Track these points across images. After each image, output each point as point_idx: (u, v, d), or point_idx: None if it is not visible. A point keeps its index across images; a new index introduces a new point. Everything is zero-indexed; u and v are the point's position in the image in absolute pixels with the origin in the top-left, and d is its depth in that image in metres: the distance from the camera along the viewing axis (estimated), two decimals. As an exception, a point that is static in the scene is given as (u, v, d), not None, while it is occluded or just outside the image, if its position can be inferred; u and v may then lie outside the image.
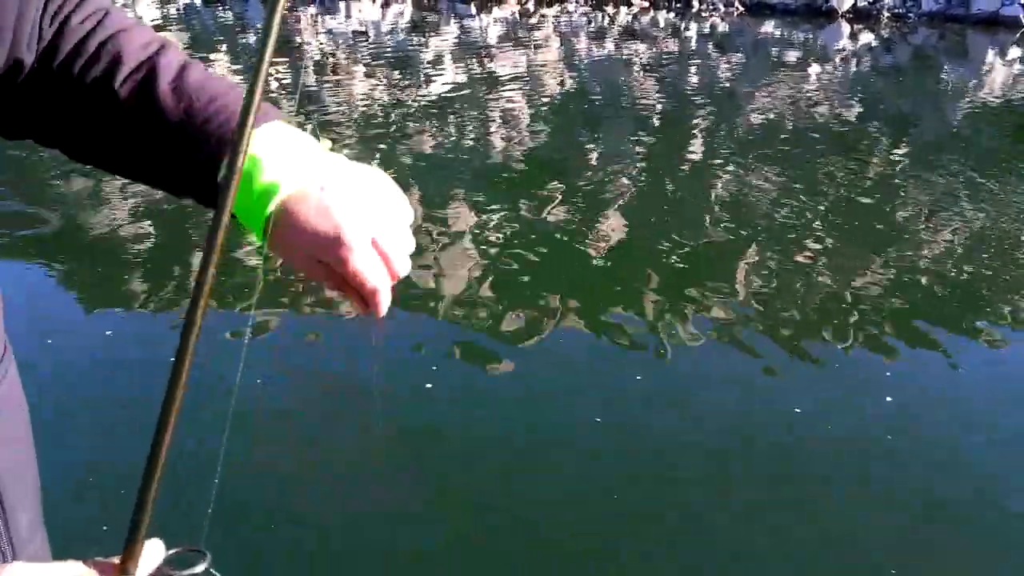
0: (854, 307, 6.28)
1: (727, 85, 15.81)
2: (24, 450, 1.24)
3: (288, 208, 1.05)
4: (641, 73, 16.91)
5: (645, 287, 6.59)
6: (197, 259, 0.90)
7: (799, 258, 7.23)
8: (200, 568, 0.89)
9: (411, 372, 5.19)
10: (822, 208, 8.59)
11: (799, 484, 4.34)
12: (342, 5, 26.34)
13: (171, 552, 0.91)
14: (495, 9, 26.43)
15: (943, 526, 4.06)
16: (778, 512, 4.13)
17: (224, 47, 18.37)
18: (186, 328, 0.87)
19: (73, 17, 1.18)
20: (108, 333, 5.71)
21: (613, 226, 7.89)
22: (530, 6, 27.09)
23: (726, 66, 17.96)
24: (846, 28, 23.67)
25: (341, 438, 4.58)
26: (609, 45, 20.58)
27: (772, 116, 12.97)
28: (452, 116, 12.46)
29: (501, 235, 7.54)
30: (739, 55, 19.42)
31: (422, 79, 15.30)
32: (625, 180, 9.39)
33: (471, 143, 11.02)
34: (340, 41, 20.03)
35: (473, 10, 26.09)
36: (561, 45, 20.57)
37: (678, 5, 27.10)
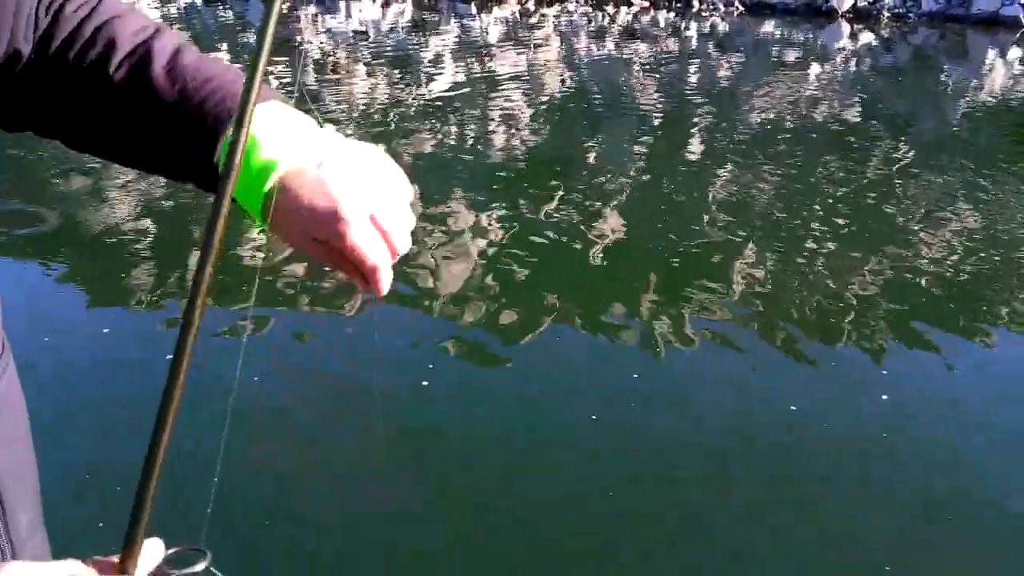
0: (853, 307, 6.28)
1: (727, 85, 15.81)
2: (24, 449, 1.24)
3: (285, 185, 1.05)
4: (641, 73, 16.91)
5: (645, 287, 6.58)
6: (196, 257, 0.89)
7: (798, 258, 7.23)
8: (200, 567, 0.88)
9: (411, 371, 5.19)
10: (821, 208, 8.58)
11: (799, 484, 4.34)
12: (342, 4, 26.35)
13: (171, 551, 0.91)
14: (495, 9, 26.43)
15: (943, 526, 4.05)
16: (778, 512, 4.13)
17: (225, 46, 18.36)
18: (184, 327, 0.87)
19: (67, 5, 1.19)
20: (107, 331, 5.71)
21: (612, 226, 7.89)
22: (530, 6, 27.08)
23: (726, 66, 17.96)
24: (846, 28, 23.66)
25: (340, 437, 4.59)
26: (609, 45, 20.58)
27: (772, 116, 12.97)
28: (452, 115, 12.46)
29: (501, 234, 7.54)
30: (739, 55, 19.42)
31: (422, 78, 15.30)
32: (625, 179, 9.39)
33: (471, 142, 11.02)
34: (340, 40, 20.03)
35: (473, 10, 26.09)
36: (561, 45, 20.57)
37: (678, 5, 27.09)
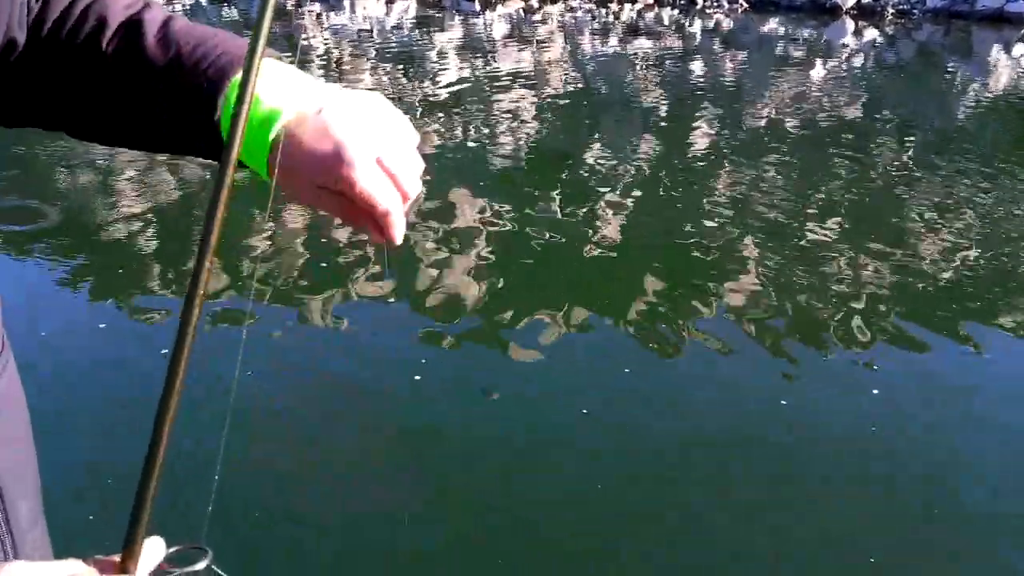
0: (856, 306, 6.27)
1: (731, 82, 15.80)
2: (24, 449, 1.23)
3: (287, 134, 1.03)
4: (645, 70, 16.91)
5: (646, 285, 6.58)
6: (196, 257, 0.88)
7: (800, 257, 7.22)
8: (201, 565, 0.88)
9: (410, 370, 5.19)
10: (826, 206, 8.57)
11: (798, 484, 4.34)
12: (347, 2, 26.38)
13: (172, 550, 0.91)
14: (499, 6, 26.42)
15: (942, 526, 4.04)
16: (778, 512, 4.12)
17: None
18: (182, 325, 0.86)
19: None
20: (108, 330, 5.71)
21: (614, 223, 7.89)
22: (534, 3, 27.08)
23: (730, 63, 17.95)
24: (850, 25, 23.65)
25: (340, 437, 4.59)
26: (613, 42, 20.58)
27: (775, 113, 12.96)
28: (456, 113, 12.47)
29: (503, 232, 7.54)
30: (743, 52, 19.41)
31: (426, 76, 15.30)
32: (627, 177, 9.38)
33: (474, 139, 11.02)
34: (345, 38, 20.04)
35: (477, 7, 26.09)
36: (565, 42, 20.57)
37: (682, 2, 27.10)
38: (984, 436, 4.78)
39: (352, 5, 25.99)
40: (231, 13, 24.16)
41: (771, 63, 17.81)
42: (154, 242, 7.25)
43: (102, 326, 5.76)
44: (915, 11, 25.02)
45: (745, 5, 26.27)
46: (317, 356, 5.49)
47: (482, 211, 8.11)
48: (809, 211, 8.39)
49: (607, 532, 3.98)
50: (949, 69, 18.14)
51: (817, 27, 23.12)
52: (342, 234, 7.22)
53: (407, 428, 4.69)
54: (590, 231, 7.65)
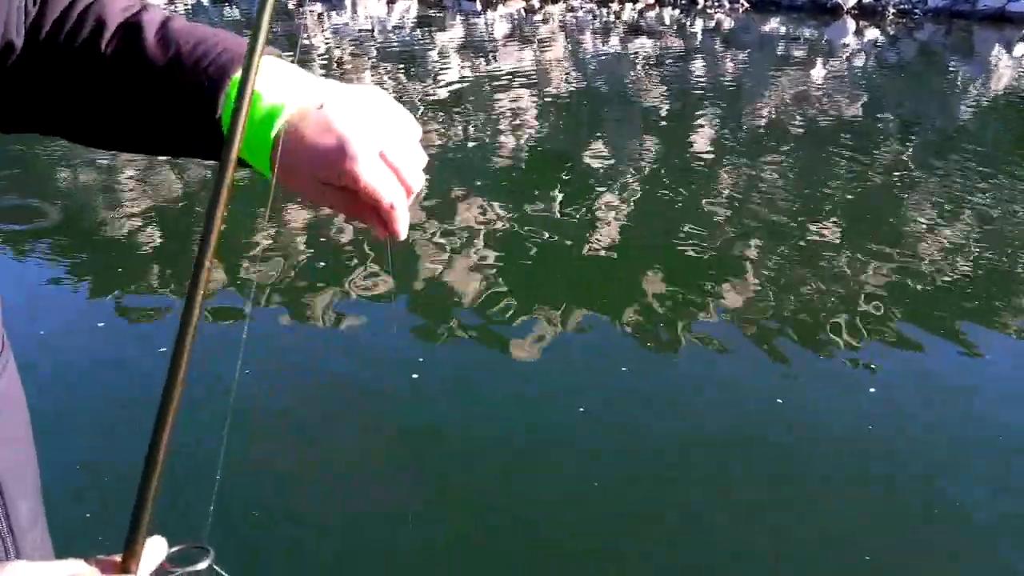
0: (856, 306, 6.27)
1: (732, 82, 15.80)
2: (24, 448, 1.23)
3: (289, 130, 1.03)
4: (646, 70, 16.91)
5: (646, 286, 6.57)
6: (196, 256, 0.88)
7: (801, 257, 7.22)
8: (203, 565, 0.88)
9: (410, 370, 5.19)
10: (826, 206, 8.57)
11: (798, 484, 4.34)
12: (348, 2, 26.38)
13: (174, 549, 0.91)
14: (500, 6, 26.43)
15: (943, 526, 4.04)
16: (778, 512, 4.12)
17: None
18: (183, 324, 0.86)
19: None
20: (108, 330, 5.71)
21: (615, 224, 7.89)
22: (535, 3, 27.09)
23: (731, 63, 17.95)
24: (851, 24, 23.64)
25: (340, 437, 4.59)
26: (615, 42, 20.58)
27: (776, 113, 12.96)
28: (457, 112, 12.47)
29: (504, 231, 7.54)
30: (744, 52, 19.40)
31: (427, 76, 15.31)
32: (628, 177, 9.38)
33: (475, 139, 11.03)
34: (346, 38, 20.05)
35: (478, 7, 26.10)
36: (566, 42, 20.57)
37: (683, 2, 27.09)
38: (984, 436, 4.78)
39: (353, 5, 26.00)
40: (232, 13, 24.17)
41: (772, 63, 17.80)
42: (154, 241, 7.25)
43: (102, 325, 5.76)
44: (916, 11, 25.02)
45: (746, 5, 26.26)
46: (317, 356, 5.49)
47: (482, 210, 8.11)
48: (809, 211, 8.39)
49: (607, 532, 3.98)
50: (950, 69, 18.14)
51: (818, 27, 23.12)
52: (342, 234, 7.22)
53: (407, 428, 4.69)
54: (590, 231, 7.65)
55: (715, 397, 5.11)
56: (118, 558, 0.87)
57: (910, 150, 11.02)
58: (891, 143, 11.38)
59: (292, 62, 1.12)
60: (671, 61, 17.91)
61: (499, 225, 7.73)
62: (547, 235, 7.48)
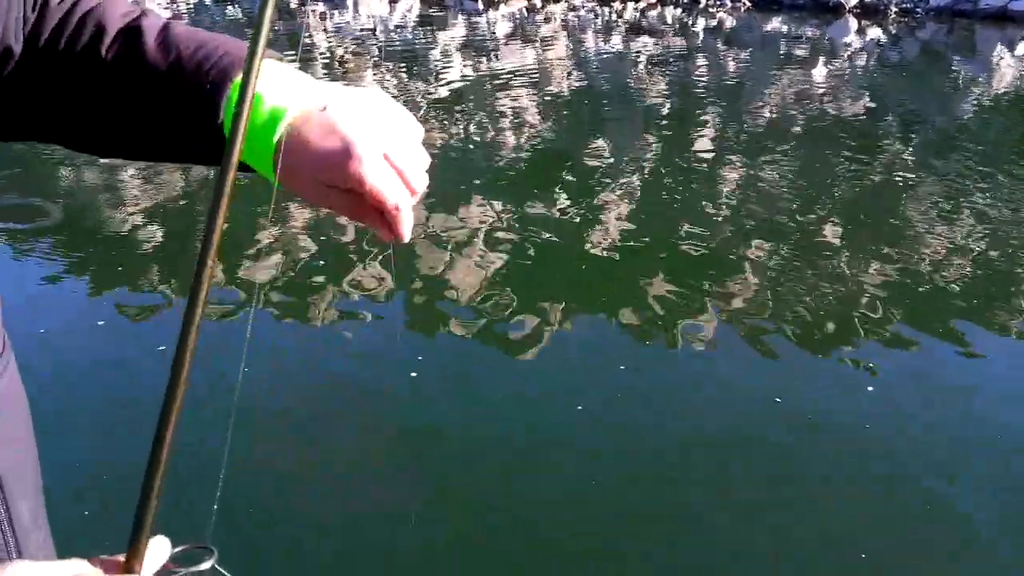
0: (856, 306, 6.27)
1: (734, 81, 15.80)
2: (25, 448, 1.23)
3: (292, 133, 1.02)
4: (648, 69, 16.90)
5: (647, 285, 6.57)
6: (198, 255, 0.88)
7: (802, 256, 7.22)
8: (206, 565, 0.89)
9: (411, 370, 5.19)
10: (828, 205, 8.57)
11: (799, 484, 4.34)
12: (350, 2, 26.39)
13: (177, 549, 0.91)
14: (502, 5, 26.44)
15: (943, 526, 4.04)
16: (778, 512, 4.12)
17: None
18: (185, 324, 0.86)
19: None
20: (108, 329, 5.72)
21: (616, 223, 7.89)
22: (537, 2, 27.09)
23: (734, 62, 17.94)
24: (853, 23, 23.63)
25: (341, 436, 4.60)
26: (616, 41, 20.57)
27: (779, 112, 12.95)
28: (459, 112, 12.48)
29: (506, 232, 7.54)
30: (747, 50, 19.39)
31: (430, 75, 15.31)
32: (630, 177, 9.38)
33: (477, 139, 11.03)
34: (348, 37, 20.05)
35: (480, 6, 26.10)
36: (568, 41, 20.56)
37: (685, 1, 27.07)
38: (983, 436, 4.78)
39: (355, 4, 26.02)
40: (235, 12, 24.17)
41: (774, 62, 17.80)
42: (156, 240, 7.26)
43: (104, 325, 5.77)
44: (918, 9, 25.00)
45: (748, 4, 26.26)
46: (318, 355, 5.50)
47: (483, 209, 8.11)
48: (810, 211, 8.38)
49: (607, 532, 3.98)
50: (952, 68, 18.12)
51: (820, 26, 23.10)
52: (343, 233, 7.22)
53: (407, 428, 4.70)
54: (590, 230, 7.65)
55: (715, 397, 5.11)
56: (121, 558, 0.87)
57: (911, 149, 11.01)
58: (893, 142, 11.37)
59: (294, 62, 1.12)
60: (673, 60, 17.91)
61: (500, 224, 7.73)
62: (548, 234, 7.48)
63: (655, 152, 10.65)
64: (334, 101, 1.04)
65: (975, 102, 14.34)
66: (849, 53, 19.38)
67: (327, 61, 16.58)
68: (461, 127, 11.59)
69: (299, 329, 5.76)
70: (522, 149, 10.58)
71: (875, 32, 22.39)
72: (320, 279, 6.42)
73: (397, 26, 22.10)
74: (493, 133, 11.35)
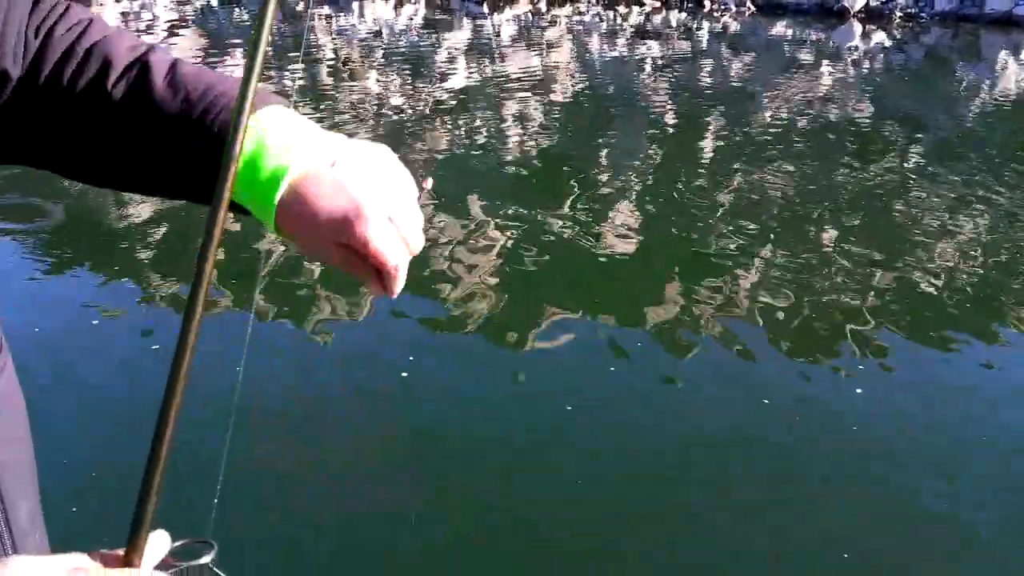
0: (858, 307, 6.27)
1: (739, 85, 15.79)
2: (23, 449, 1.23)
3: (300, 190, 1.03)
4: (653, 73, 16.90)
5: (647, 286, 6.58)
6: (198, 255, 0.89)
7: (805, 258, 7.21)
8: (206, 559, 0.89)
9: (411, 370, 5.20)
10: (832, 208, 8.57)
11: (799, 484, 4.33)
12: (356, 5, 26.43)
13: (177, 543, 0.91)
14: (507, 9, 26.46)
15: (943, 526, 4.04)
16: (778, 512, 4.12)
17: (240, 49, 18.37)
18: (186, 319, 0.87)
19: (58, 27, 1.17)
20: (108, 329, 5.73)
21: (619, 225, 7.89)
22: (542, 6, 27.11)
23: (738, 66, 17.95)
24: (858, 28, 23.63)
25: (341, 437, 4.60)
26: (621, 45, 20.58)
27: (784, 116, 12.95)
28: (464, 115, 12.49)
29: (509, 233, 7.55)
30: (751, 55, 19.40)
31: (435, 78, 15.32)
32: (635, 179, 9.39)
33: (483, 142, 11.03)
34: (353, 40, 20.08)
35: (486, 10, 26.13)
36: (573, 45, 20.58)
37: (690, 5, 27.10)
38: (984, 436, 4.78)
39: (360, 8, 26.05)
40: (241, 15, 24.21)
41: (779, 66, 17.79)
42: (156, 240, 7.27)
43: (103, 325, 5.77)
44: (923, 14, 24.99)
45: (753, 8, 26.27)
46: (318, 355, 5.50)
47: (486, 211, 8.11)
48: (814, 213, 8.38)
49: (607, 532, 3.98)
50: (957, 73, 18.11)
51: (825, 30, 23.11)
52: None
53: (407, 428, 4.70)
54: (592, 231, 7.66)
55: (715, 397, 5.10)
56: (121, 552, 0.87)
57: (916, 154, 11.00)
58: (897, 146, 11.37)
59: (290, 106, 1.12)
60: (677, 64, 17.92)
61: (502, 226, 7.73)
62: (549, 235, 7.49)
63: (658, 155, 10.65)
64: (342, 158, 1.05)
65: (980, 106, 14.33)
66: (853, 58, 19.38)
67: (332, 64, 16.60)
68: (465, 130, 11.60)
69: (299, 328, 5.76)
70: (525, 152, 10.58)
71: (880, 37, 22.39)
72: (320, 278, 6.42)
73: (402, 29, 22.12)
74: (497, 136, 11.36)
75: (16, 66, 1.13)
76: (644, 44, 20.54)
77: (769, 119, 12.73)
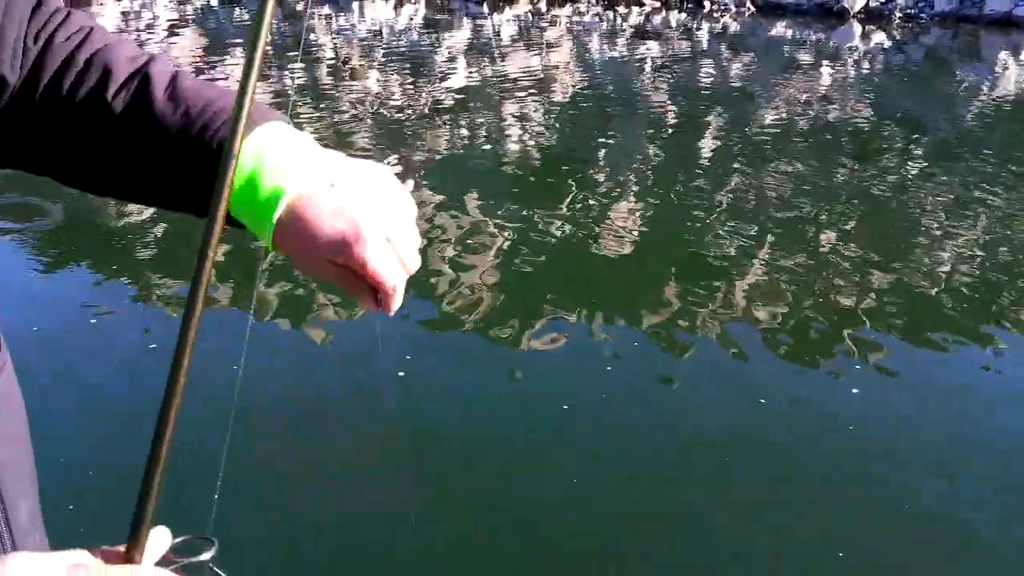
0: (858, 308, 6.27)
1: (739, 85, 15.79)
2: (23, 449, 1.23)
3: (299, 211, 1.03)
4: (653, 73, 16.91)
5: (648, 287, 6.58)
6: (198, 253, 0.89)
7: (805, 259, 7.22)
8: (206, 556, 0.89)
9: (411, 370, 5.20)
10: (832, 209, 8.56)
11: (799, 484, 4.33)
12: (356, 5, 26.44)
13: (178, 540, 0.91)
14: (507, 9, 26.47)
15: (943, 526, 4.04)
16: (778, 512, 4.12)
17: (240, 48, 18.36)
18: (186, 317, 0.87)
19: (58, 34, 1.16)
20: (107, 329, 5.73)
21: (618, 226, 7.89)
22: (542, 6, 27.12)
23: (738, 66, 17.94)
24: (858, 28, 23.61)
25: (340, 436, 4.59)
26: (621, 45, 20.58)
27: (783, 117, 12.95)
28: (464, 115, 12.48)
29: (508, 233, 7.55)
30: (751, 55, 19.39)
31: (434, 78, 15.32)
32: (634, 179, 9.38)
33: (482, 142, 11.03)
34: (353, 40, 20.08)
35: (486, 10, 26.13)
36: (573, 45, 20.58)
37: (689, 5, 27.09)
38: (983, 436, 4.78)
39: (361, 8, 26.06)
40: (241, 15, 24.20)
41: (778, 67, 17.79)
42: (156, 239, 7.27)
43: (102, 324, 5.78)
44: (923, 15, 24.98)
45: (753, 8, 26.27)
46: (318, 355, 5.51)
47: (485, 211, 8.11)
48: (813, 214, 8.38)
49: (607, 532, 3.98)
50: (957, 73, 18.10)
51: (824, 31, 23.10)
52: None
53: (407, 428, 4.69)
54: (592, 232, 7.66)
55: (715, 397, 5.10)
56: (122, 548, 0.87)
57: (915, 154, 11.00)
58: (896, 147, 11.37)
59: (291, 98, 1.12)
60: (677, 65, 17.92)
61: (504, 226, 7.73)
62: (549, 236, 7.49)
63: (657, 156, 10.65)
64: (341, 179, 1.05)
65: (980, 107, 14.32)
66: (853, 58, 19.38)
67: (332, 64, 16.60)
68: (464, 129, 11.60)
69: (298, 328, 5.77)
70: (524, 152, 10.59)
71: (879, 37, 22.38)
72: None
73: (402, 29, 22.12)
74: (496, 135, 11.36)
75: (14, 72, 1.12)
76: (644, 44, 20.53)
77: (768, 120, 12.73)
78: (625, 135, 11.74)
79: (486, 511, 4.13)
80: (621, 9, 26.95)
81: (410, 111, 12.54)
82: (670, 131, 12.18)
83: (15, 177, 8.60)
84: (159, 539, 0.89)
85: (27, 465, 1.24)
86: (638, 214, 8.28)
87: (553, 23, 24.21)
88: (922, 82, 17.36)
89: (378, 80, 15.17)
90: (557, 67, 17.22)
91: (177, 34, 20.57)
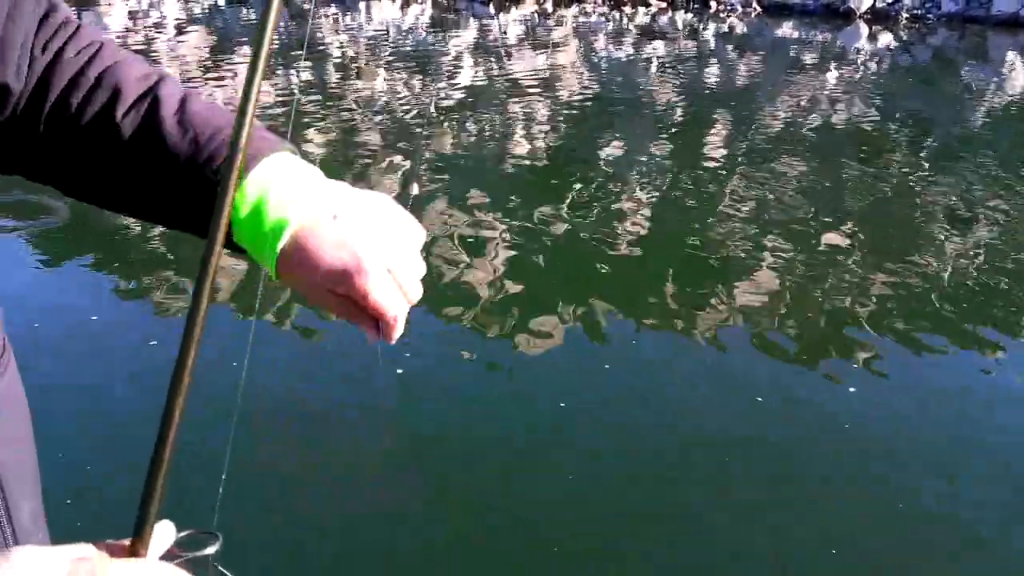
0: (860, 308, 6.26)
1: (745, 86, 15.77)
2: (26, 449, 1.24)
3: (302, 241, 1.05)
4: (659, 74, 16.88)
5: (650, 287, 6.58)
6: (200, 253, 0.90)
7: (809, 260, 7.21)
8: (211, 550, 0.89)
9: (412, 370, 5.20)
10: (837, 210, 8.55)
11: (799, 484, 4.33)
12: (362, 5, 26.43)
13: (183, 534, 0.92)
14: (513, 9, 26.45)
15: (943, 526, 4.04)
16: (778, 512, 4.12)
17: (247, 49, 18.37)
18: (190, 319, 0.87)
19: (68, 48, 1.16)
20: (109, 329, 5.74)
21: (621, 225, 7.88)
22: (548, 6, 27.10)
23: (744, 67, 17.91)
24: (864, 29, 23.53)
25: (341, 437, 4.60)
26: (627, 45, 20.55)
27: (789, 118, 12.93)
28: (470, 115, 12.48)
29: (510, 232, 7.55)
30: (757, 56, 19.36)
31: (442, 79, 15.32)
32: (638, 180, 9.37)
33: (488, 142, 11.03)
34: (360, 40, 20.08)
35: (492, 10, 26.11)
36: (579, 45, 20.55)
37: (696, 6, 27.04)
38: (983, 436, 4.78)
39: (367, 7, 26.05)
40: (249, 15, 24.20)
41: (785, 67, 17.75)
42: (160, 239, 7.28)
43: (105, 324, 5.79)
44: (930, 15, 24.91)
45: (759, 9, 26.21)
46: (320, 355, 5.51)
47: (491, 211, 8.11)
48: (817, 214, 8.37)
49: (607, 532, 3.98)
50: (964, 74, 18.05)
51: (831, 31, 23.03)
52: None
53: (407, 428, 4.70)
54: (595, 232, 7.65)
55: (715, 397, 5.10)
56: (127, 542, 0.88)
57: (924, 155, 10.98)
58: (903, 148, 11.35)
59: (294, 152, 1.13)
60: (684, 65, 17.89)
61: (508, 225, 7.73)
62: (552, 236, 7.49)
63: (664, 156, 10.64)
64: (344, 211, 1.07)
65: (987, 108, 14.28)
66: (860, 59, 19.33)
67: (340, 63, 16.61)
68: (471, 129, 11.60)
69: (300, 328, 5.77)
70: (529, 151, 10.59)
71: (886, 38, 22.31)
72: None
73: (408, 29, 22.12)
74: (501, 135, 11.36)
75: (19, 80, 1.12)
76: (650, 45, 20.50)
77: (773, 120, 12.71)
78: (629, 135, 11.72)
79: (486, 511, 4.13)
80: (627, 9, 26.92)
81: (416, 110, 12.54)
82: (674, 131, 12.16)
83: (17, 176, 8.60)
84: (163, 533, 0.90)
85: (30, 465, 1.25)
86: (640, 214, 8.27)
87: (559, 23, 24.18)
88: (929, 83, 17.32)
89: (384, 79, 15.18)
90: (563, 67, 17.21)
91: (184, 33, 20.58)
